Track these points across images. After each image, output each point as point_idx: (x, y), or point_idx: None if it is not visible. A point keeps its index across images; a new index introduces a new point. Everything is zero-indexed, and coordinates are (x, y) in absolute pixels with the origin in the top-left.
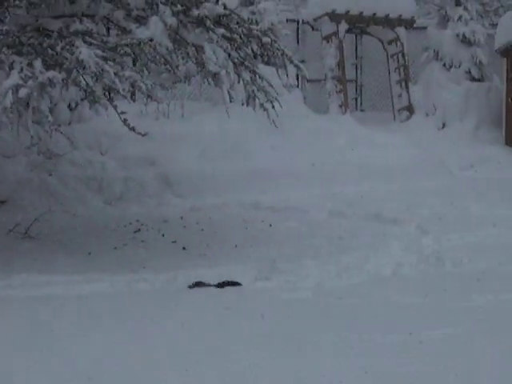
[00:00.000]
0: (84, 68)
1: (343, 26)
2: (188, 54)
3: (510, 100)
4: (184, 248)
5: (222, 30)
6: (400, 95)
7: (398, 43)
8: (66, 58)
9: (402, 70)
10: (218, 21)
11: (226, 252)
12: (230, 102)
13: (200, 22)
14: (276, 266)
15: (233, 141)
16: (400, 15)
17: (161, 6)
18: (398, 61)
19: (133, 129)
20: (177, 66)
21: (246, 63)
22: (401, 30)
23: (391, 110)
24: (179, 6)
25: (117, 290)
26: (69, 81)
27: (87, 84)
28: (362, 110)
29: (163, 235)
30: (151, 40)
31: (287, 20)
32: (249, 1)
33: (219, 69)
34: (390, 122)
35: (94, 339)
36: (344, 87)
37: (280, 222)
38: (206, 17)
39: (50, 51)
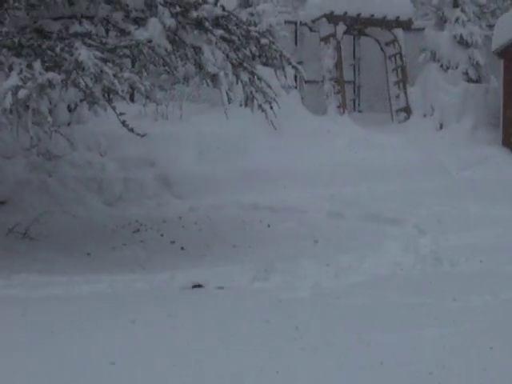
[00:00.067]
0: (83, 69)
1: (341, 28)
2: (187, 55)
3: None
4: (183, 248)
5: (220, 32)
6: (398, 96)
7: (396, 44)
8: (66, 60)
9: (399, 71)
10: (217, 22)
11: (225, 252)
12: (229, 103)
13: (199, 23)
14: (274, 267)
15: (231, 142)
16: (398, 17)
17: (159, 7)
18: (396, 62)
19: (132, 130)
20: (175, 68)
21: (245, 64)
22: (398, 32)
23: (389, 111)
24: (178, 7)
25: (116, 291)
26: (68, 82)
27: (86, 85)
28: (359, 111)
29: (162, 235)
30: (150, 41)
31: (285, 21)
32: (247, 2)
33: (218, 70)
34: (388, 122)
35: (94, 340)
36: (342, 88)
37: (278, 222)
38: (205, 18)
39: (49, 53)
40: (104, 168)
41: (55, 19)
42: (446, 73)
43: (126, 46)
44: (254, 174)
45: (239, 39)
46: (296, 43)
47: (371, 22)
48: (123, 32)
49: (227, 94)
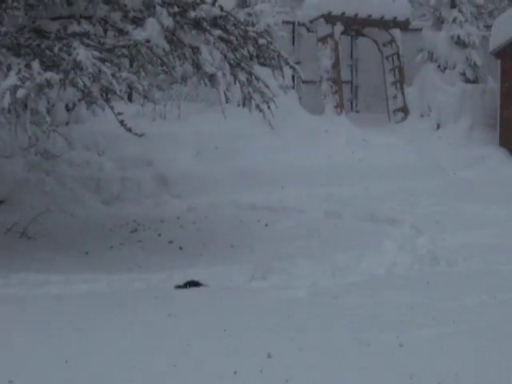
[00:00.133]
0: (81, 69)
1: (339, 28)
2: (184, 55)
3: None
4: (180, 248)
5: (218, 32)
6: (395, 96)
7: (393, 45)
8: (64, 59)
9: (396, 71)
10: (215, 22)
11: (223, 252)
12: (226, 102)
13: (197, 23)
14: (272, 266)
15: (229, 141)
16: (395, 17)
17: (158, 7)
18: (393, 62)
19: (130, 129)
20: (173, 67)
21: (242, 64)
22: (396, 32)
23: (386, 111)
24: (176, 7)
25: (114, 290)
26: (66, 82)
27: (84, 85)
28: (357, 111)
29: (160, 235)
30: (148, 41)
31: (283, 22)
32: (245, 2)
33: (215, 70)
34: (385, 123)
35: (93, 339)
36: (339, 88)
37: (276, 222)
38: (203, 18)
39: (47, 52)
40: (102, 167)
41: (53, 19)
42: (443, 73)
43: (124, 46)
44: (251, 174)
45: (237, 39)
46: (294, 43)
47: (369, 22)
48: (121, 32)
49: (225, 93)
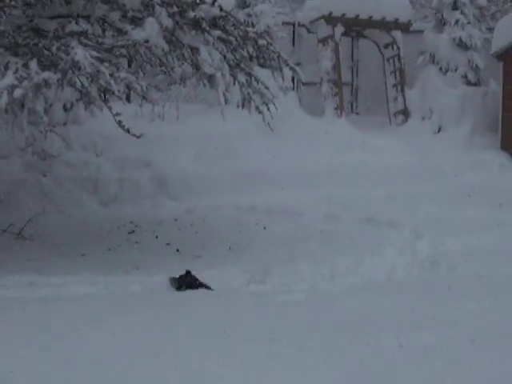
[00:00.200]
0: (79, 69)
1: (339, 29)
2: (184, 55)
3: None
4: (178, 250)
5: (217, 32)
6: (396, 99)
7: (395, 46)
8: (62, 59)
9: (398, 73)
10: (214, 23)
11: (220, 254)
12: (226, 104)
13: (196, 23)
14: (270, 269)
15: (228, 143)
16: (396, 18)
17: (157, 7)
18: (394, 64)
19: (128, 130)
20: (172, 68)
21: (242, 65)
22: (397, 34)
23: (387, 113)
24: (175, 7)
25: (111, 292)
26: (64, 82)
27: (82, 85)
28: (357, 114)
29: (157, 237)
30: (147, 41)
31: (283, 23)
32: (245, 3)
33: (215, 71)
34: (386, 125)
35: (91, 339)
36: (340, 90)
37: (275, 224)
38: (202, 19)
39: (45, 52)
40: (100, 168)
41: (51, 18)
42: (444, 75)
43: (122, 46)
44: (250, 176)
45: (236, 40)
46: (294, 44)
47: (370, 23)
48: (120, 32)
49: (224, 94)
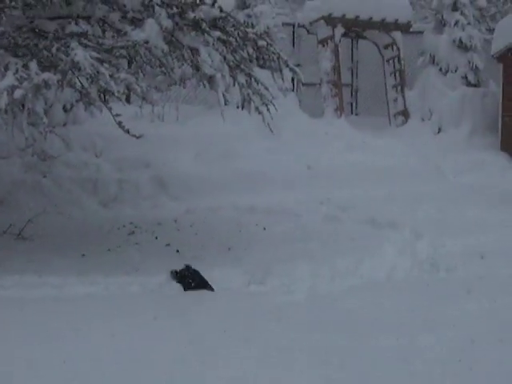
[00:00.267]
0: (79, 70)
1: (339, 30)
2: (183, 56)
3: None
4: (178, 251)
5: (217, 33)
6: (396, 100)
7: (394, 47)
8: (62, 60)
9: (397, 74)
10: (214, 24)
11: (220, 255)
12: (225, 105)
13: (196, 24)
14: (270, 270)
15: (228, 144)
16: (396, 19)
17: (157, 8)
18: (394, 65)
19: (128, 131)
20: (172, 69)
21: (242, 66)
22: (397, 35)
23: (386, 114)
24: (175, 8)
25: (111, 293)
26: (64, 82)
27: (82, 86)
28: (357, 115)
29: (157, 238)
30: (147, 42)
31: (283, 23)
32: (245, 4)
33: (214, 72)
34: (386, 126)
35: (91, 341)
36: (339, 91)
37: (275, 225)
38: (202, 19)
39: (45, 53)
40: (99, 169)
41: (51, 19)
42: (444, 77)
43: (122, 47)
44: (250, 177)
45: (236, 41)
46: (293, 45)
47: (369, 24)
48: (120, 32)
49: (224, 95)
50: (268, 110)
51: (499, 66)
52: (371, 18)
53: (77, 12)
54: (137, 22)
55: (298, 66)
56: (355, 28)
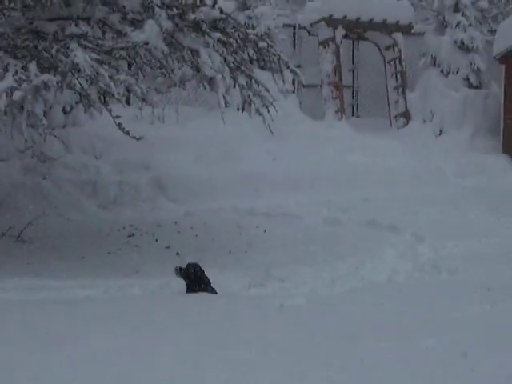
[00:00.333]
0: (79, 71)
1: (340, 32)
2: (184, 57)
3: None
4: (178, 253)
5: (218, 35)
6: (397, 101)
7: (396, 49)
8: (61, 61)
9: (399, 76)
10: (214, 25)
11: (221, 257)
12: (226, 106)
13: (196, 25)
14: (270, 273)
15: (228, 145)
16: (398, 21)
17: (157, 9)
18: (396, 67)
19: (128, 133)
20: (172, 70)
21: (242, 68)
22: (398, 36)
23: (388, 116)
24: (175, 9)
25: (110, 295)
26: (63, 84)
27: (82, 87)
28: (358, 117)
29: (157, 240)
30: (147, 43)
31: (284, 25)
32: (245, 5)
33: (215, 73)
34: (387, 128)
35: (91, 343)
36: (340, 93)
37: (275, 227)
38: (202, 21)
39: (44, 54)
40: (99, 171)
41: (51, 20)
42: (446, 78)
43: (122, 48)
44: (251, 179)
45: (237, 42)
46: (294, 47)
47: (371, 25)
48: (120, 34)
49: (224, 97)
50: (268, 111)
51: (501, 68)
52: (372, 20)
53: (76, 13)
54: (137, 24)
55: (299, 67)
56: (356, 29)
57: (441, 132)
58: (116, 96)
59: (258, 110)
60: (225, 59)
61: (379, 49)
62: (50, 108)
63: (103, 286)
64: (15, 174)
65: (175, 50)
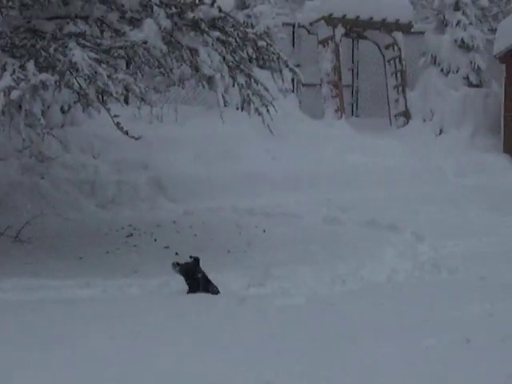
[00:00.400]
0: (77, 70)
1: (340, 30)
2: (182, 56)
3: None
4: (177, 253)
5: (217, 33)
6: (397, 100)
7: (395, 48)
8: (59, 60)
9: (398, 75)
10: (213, 24)
11: (220, 257)
12: (225, 105)
13: (195, 24)
14: (270, 272)
15: (227, 145)
16: (397, 19)
17: (155, 8)
18: (395, 66)
19: (126, 132)
20: (171, 69)
21: (241, 67)
22: (398, 35)
23: (387, 115)
24: (174, 8)
25: (109, 295)
26: (62, 83)
27: (80, 87)
28: (357, 116)
29: (156, 240)
30: (145, 42)
31: (283, 24)
32: (244, 4)
33: (214, 72)
34: (387, 127)
35: (89, 343)
36: (340, 92)
37: (274, 227)
38: (201, 19)
39: (42, 53)
40: (97, 170)
41: (49, 19)
42: (446, 77)
43: (120, 47)
44: (250, 178)
45: (236, 41)
46: (294, 46)
47: (370, 24)
48: (118, 33)
49: (223, 96)
50: (268, 110)
51: (501, 67)
52: (372, 18)
53: (75, 12)
54: (135, 22)
55: (298, 66)
56: (356, 28)
57: (441, 131)
58: (114, 95)
59: (257, 109)
60: (224, 58)
61: (379, 48)
62: (48, 107)
63: (102, 286)
64: (13, 174)
65: (174, 49)
